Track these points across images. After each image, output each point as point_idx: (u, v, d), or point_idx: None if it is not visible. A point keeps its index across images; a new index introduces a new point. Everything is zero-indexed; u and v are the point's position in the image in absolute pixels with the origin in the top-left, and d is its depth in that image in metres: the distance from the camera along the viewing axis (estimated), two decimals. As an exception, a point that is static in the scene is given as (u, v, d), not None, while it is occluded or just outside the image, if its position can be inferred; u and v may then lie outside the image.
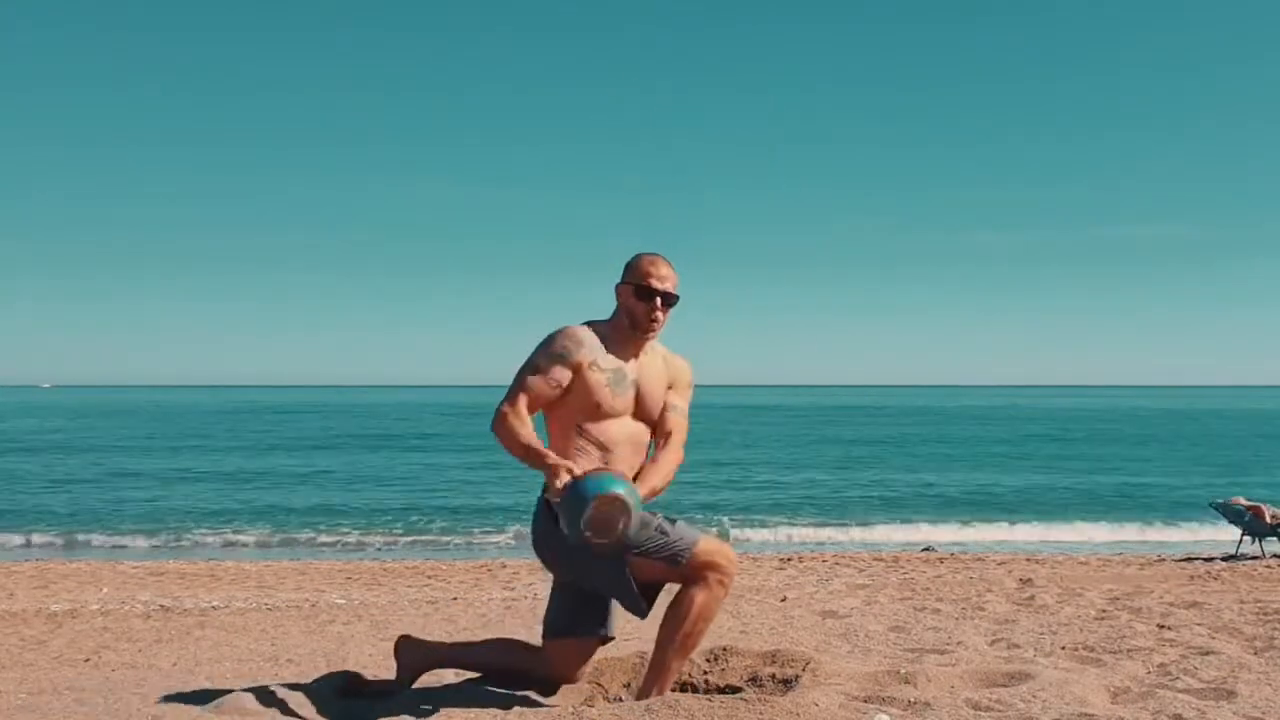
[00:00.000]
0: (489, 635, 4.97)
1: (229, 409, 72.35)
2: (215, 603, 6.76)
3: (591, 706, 2.98)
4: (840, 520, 15.45)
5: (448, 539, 13.81)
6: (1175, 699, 3.09)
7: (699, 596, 2.95)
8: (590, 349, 3.02)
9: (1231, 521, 9.74)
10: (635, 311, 3.06)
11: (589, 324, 3.11)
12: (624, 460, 3.05)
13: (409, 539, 13.80)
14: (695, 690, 3.31)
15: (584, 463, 2.97)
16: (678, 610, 2.97)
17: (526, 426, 2.97)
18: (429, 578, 8.58)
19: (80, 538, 13.77)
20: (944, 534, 13.89)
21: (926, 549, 11.57)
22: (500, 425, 2.97)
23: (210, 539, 13.74)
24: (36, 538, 13.74)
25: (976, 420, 53.90)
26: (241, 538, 13.86)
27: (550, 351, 3.01)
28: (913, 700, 3.00)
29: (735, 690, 3.26)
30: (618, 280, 3.13)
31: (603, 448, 3.03)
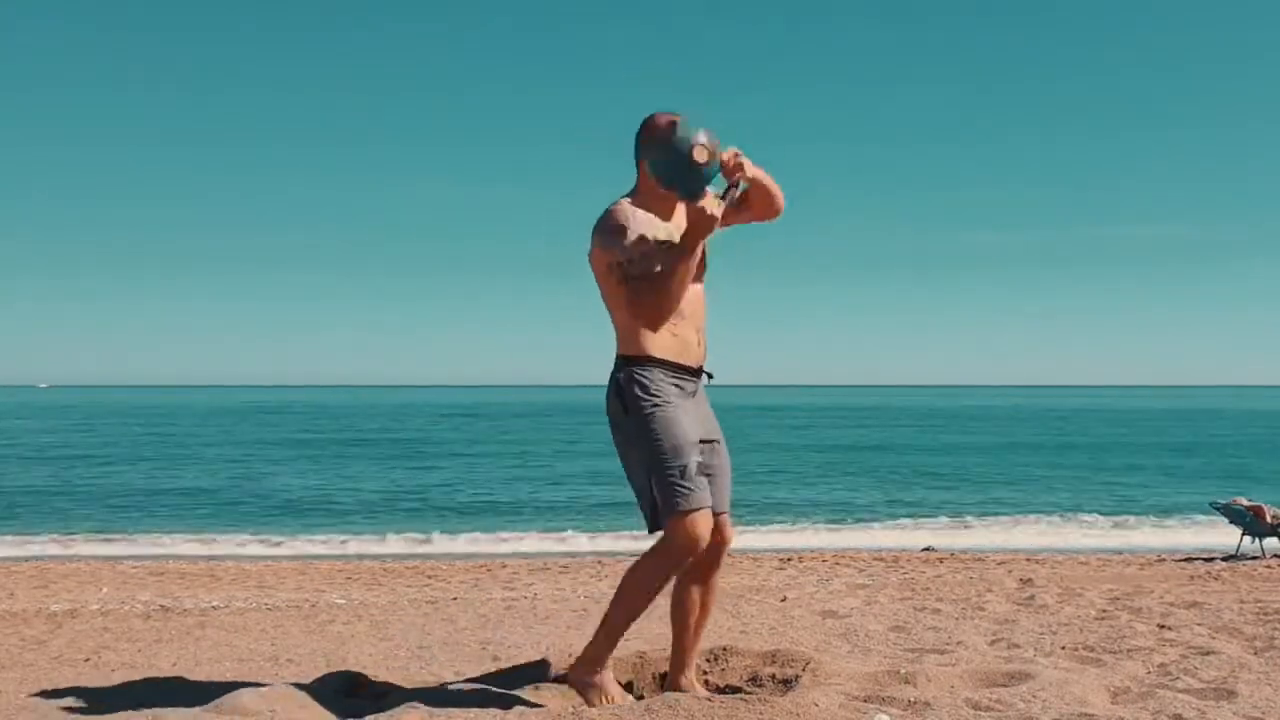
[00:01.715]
0: (498, 633, 4.97)
1: (228, 409, 72.35)
2: (215, 603, 6.76)
3: (591, 706, 2.98)
4: (840, 520, 15.45)
5: (448, 539, 13.80)
6: (1175, 699, 3.09)
7: (649, 562, 2.96)
8: (640, 222, 2.96)
9: (1232, 521, 9.73)
10: (650, 186, 3.03)
11: (622, 203, 3.03)
12: (694, 320, 3.05)
13: (409, 539, 13.79)
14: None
15: (655, 333, 2.95)
16: (632, 571, 3.01)
17: (660, 291, 2.90)
18: (429, 578, 8.57)
19: (80, 538, 13.76)
20: (944, 534, 13.89)
21: (926, 549, 11.57)
22: (660, 314, 2.91)
23: (209, 539, 13.73)
24: (36, 538, 13.73)
25: (976, 420, 53.90)
26: (241, 538, 13.85)
27: (631, 235, 2.92)
28: (913, 700, 3.00)
29: (735, 690, 3.26)
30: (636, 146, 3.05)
31: (677, 315, 2.98)
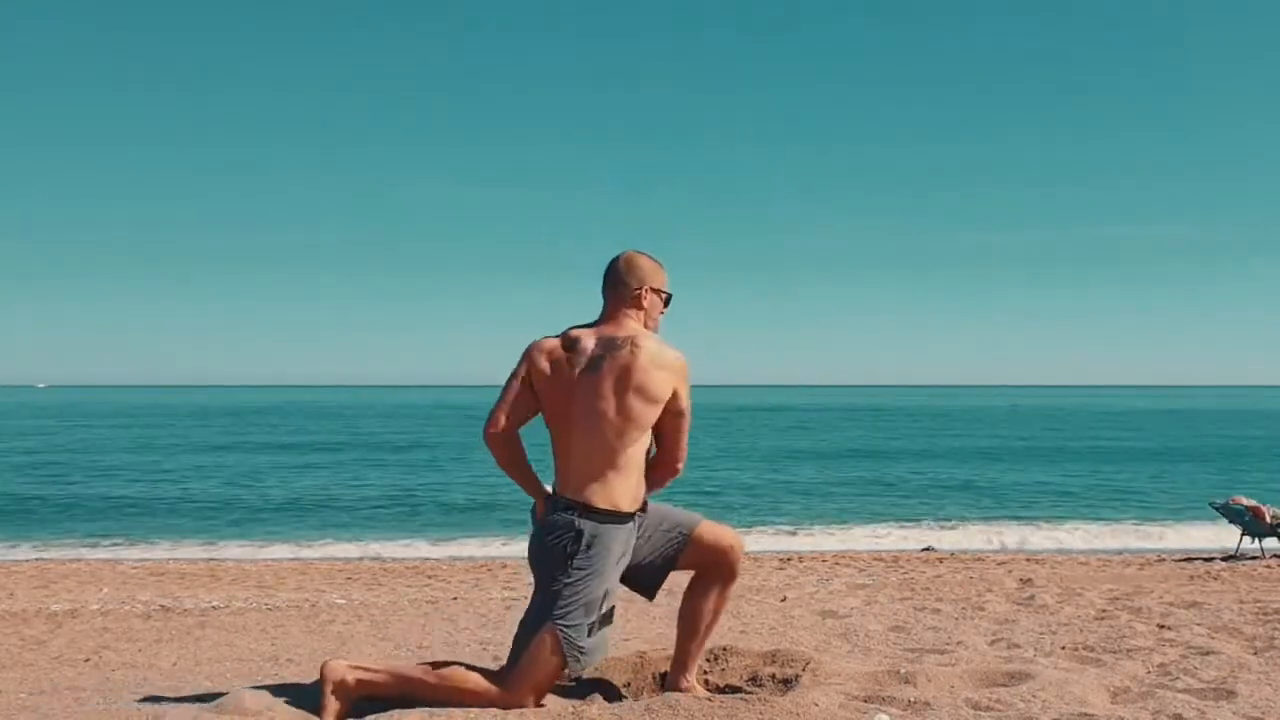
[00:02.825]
0: (498, 633, 4.96)
1: (227, 409, 72.34)
2: (215, 603, 6.76)
3: (591, 706, 2.98)
4: (840, 520, 15.44)
5: (448, 539, 13.80)
6: (1175, 699, 3.09)
7: (493, 691, 2.93)
8: None
9: (1231, 521, 9.73)
10: (658, 322, 3.18)
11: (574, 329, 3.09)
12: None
13: (408, 539, 13.79)
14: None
15: (638, 477, 3.04)
16: (470, 673, 2.99)
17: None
18: (429, 578, 8.58)
19: (80, 538, 13.75)
20: (944, 534, 13.88)
21: (926, 549, 11.57)
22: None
23: (209, 539, 13.73)
24: (36, 538, 13.72)
25: (976, 420, 53.89)
26: (242, 538, 13.85)
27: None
28: (913, 700, 3.00)
29: (735, 690, 3.26)
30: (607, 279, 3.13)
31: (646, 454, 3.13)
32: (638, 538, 3.09)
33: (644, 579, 3.16)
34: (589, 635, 2.95)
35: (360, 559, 11.28)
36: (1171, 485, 20.56)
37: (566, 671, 2.98)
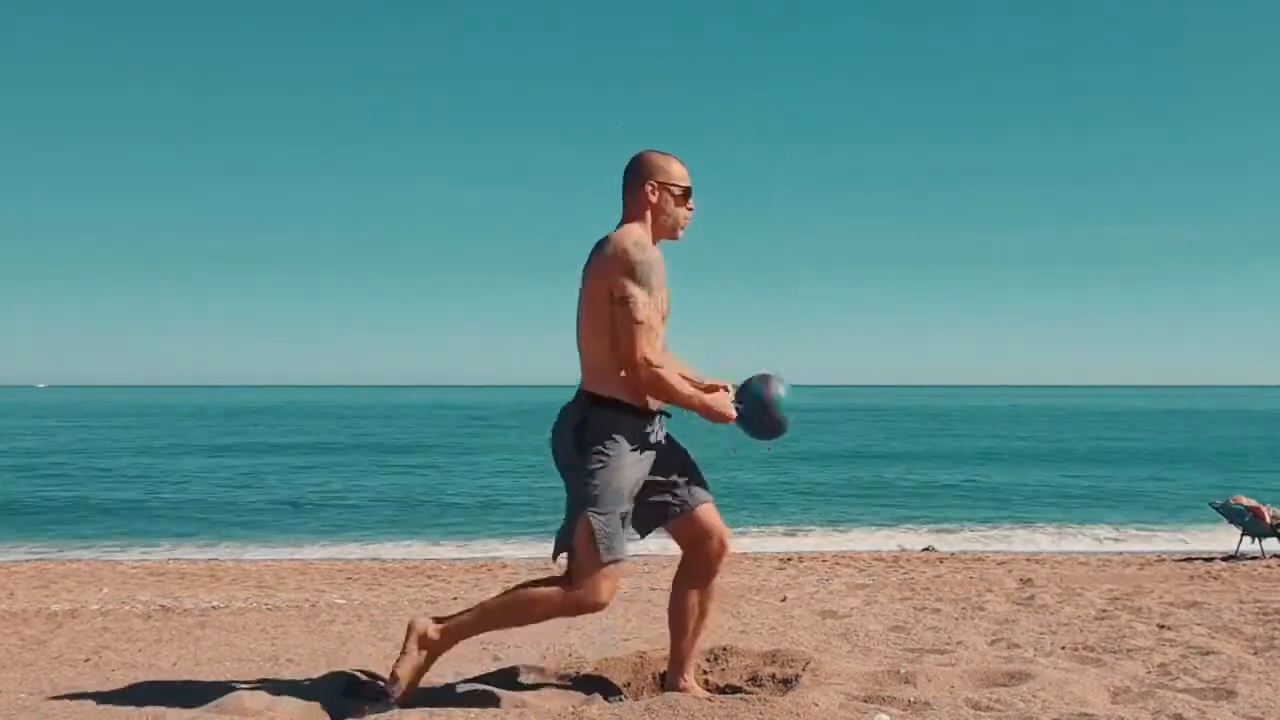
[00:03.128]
0: (498, 633, 4.96)
1: (226, 409, 72.33)
2: (215, 603, 6.76)
3: (591, 706, 2.98)
4: (840, 520, 15.43)
5: (447, 539, 13.79)
6: (1175, 699, 3.09)
7: (556, 597, 2.98)
8: (660, 269, 2.99)
9: (1231, 521, 9.73)
10: (678, 216, 3.09)
11: (625, 231, 3.03)
12: (671, 367, 3.06)
13: (408, 539, 13.79)
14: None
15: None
16: (526, 589, 3.04)
17: (669, 372, 2.96)
18: (429, 578, 8.57)
19: (80, 538, 13.75)
20: (944, 534, 13.88)
21: (926, 549, 11.57)
22: (655, 385, 2.94)
23: (209, 539, 13.73)
24: (36, 538, 13.72)
25: (975, 420, 53.87)
26: (242, 538, 13.84)
27: (657, 281, 2.96)
28: (913, 700, 3.00)
29: (735, 690, 3.26)
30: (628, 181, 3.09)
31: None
32: (658, 452, 3.08)
33: (642, 513, 3.12)
34: (622, 525, 2.97)
35: (360, 559, 11.27)
36: (1171, 485, 20.55)
37: (603, 559, 2.94)
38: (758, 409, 3.12)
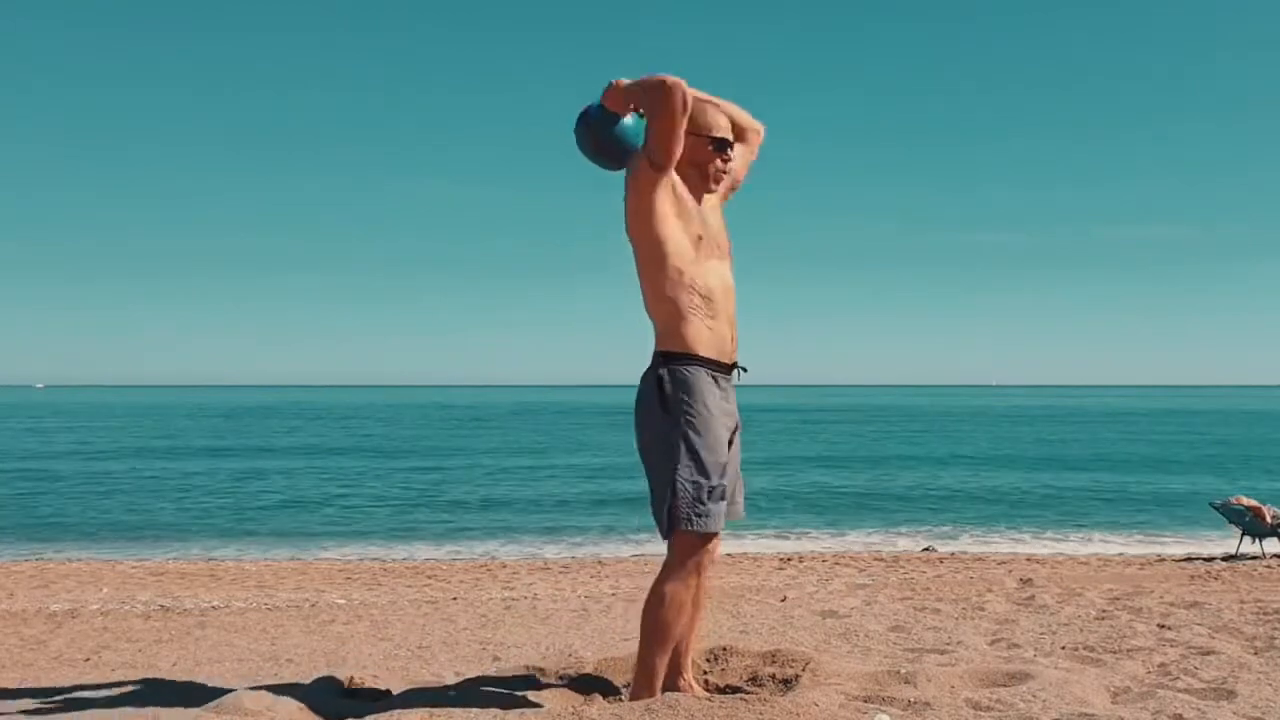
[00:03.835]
0: (498, 633, 4.96)
1: (226, 409, 72.33)
2: (215, 603, 6.76)
3: (591, 706, 2.98)
4: (840, 520, 15.43)
5: (448, 539, 13.79)
6: (1175, 699, 3.09)
7: (669, 587, 2.88)
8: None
9: (1231, 521, 9.74)
10: (708, 164, 3.02)
11: None
12: (727, 312, 2.99)
13: (408, 539, 13.79)
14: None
15: (697, 326, 2.91)
16: (652, 601, 2.91)
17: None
18: (429, 578, 8.57)
19: (79, 538, 13.75)
20: (944, 534, 13.89)
21: (926, 549, 11.57)
22: (669, 90, 2.84)
23: (210, 539, 13.73)
24: (36, 538, 13.72)
25: (975, 420, 53.88)
26: (241, 538, 13.85)
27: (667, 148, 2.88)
28: (913, 700, 3.00)
29: (735, 690, 3.26)
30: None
31: (709, 299, 2.94)
32: (731, 437, 2.99)
33: None
34: (710, 498, 2.84)
35: (360, 559, 11.28)
36: (1171, 486, 20.55)
37: (695, 529, 2.83)
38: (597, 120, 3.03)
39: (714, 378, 2.93)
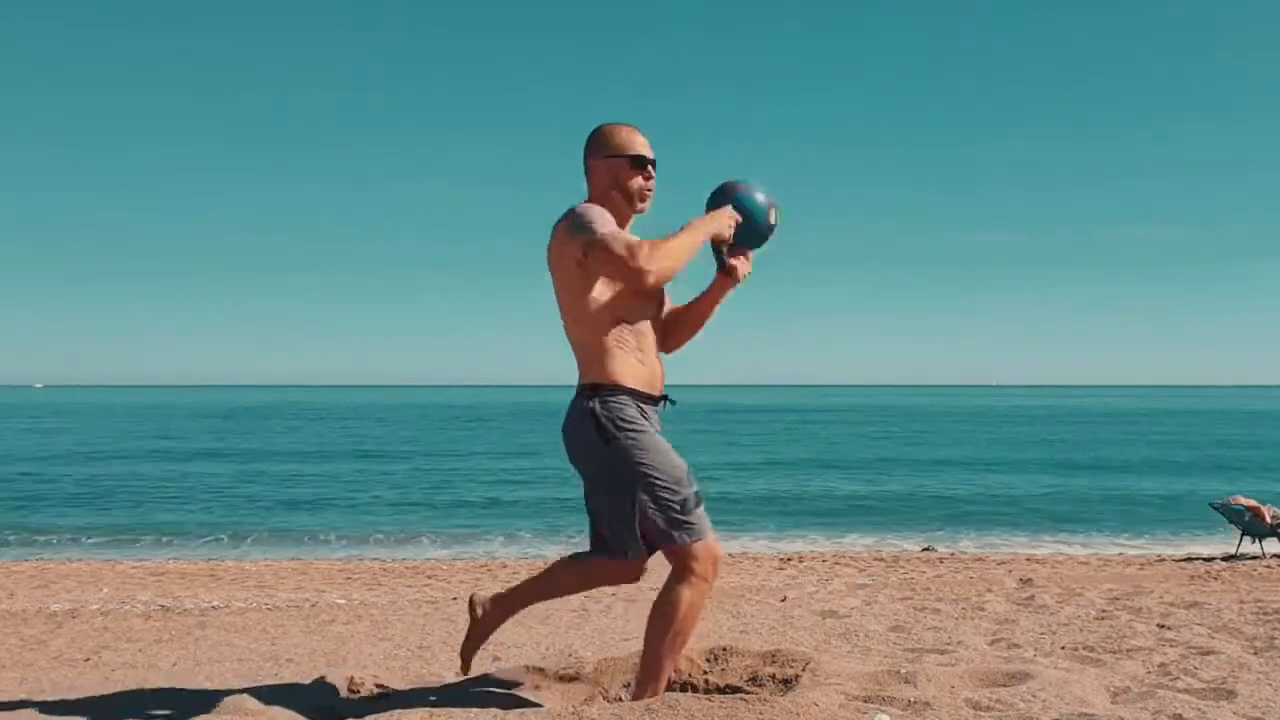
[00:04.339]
0: (498, 633, 4.96)
1: (226, 409, 72.32)
2: (215, 603, 6.76)
3: (591, 706, 2.98)
4: (839, 520, 15.43)
5: (448, 539, 13.80)
6: (1175, 699, 3.09)
7: (686, 593, 2.87)
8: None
9: (1231, 521, 9.74)
10: (631, 184, 2.96)
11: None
12: (652, 349, 2.98)
13: (409, 539, 13.80)
14: (695, 690, 3.31)
15: (625, 360, 2.89)
16: (665, 607, 2.89)
17: (661, 241, 2.79)
18: (429, 578, 8.57)
19: (80, 538, 13.75)
20: (944, 534, 13.88)
21: (926, 549, 11.57)
22: (659, 264, 2.75)
23: (210, 539, 13.74)
24: (35, 538, 13.72)
25: (975, 420, 53.88)
26: (241, 537, 13.85)
27: (611, 223, 2.84)
28: (913, 700, 3.00)
29: (735, 690, 3.26)
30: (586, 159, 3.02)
31: (638, 334, 2.93)
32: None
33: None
34: (687, 509, 2.85)
35: (360, 559, 11.28)
36: (1171, 486, 20.55)
37: (685, 541, 2.85)
38: (747, 211, 2.97)
39: (642, 409, 2.92)
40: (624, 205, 2.98)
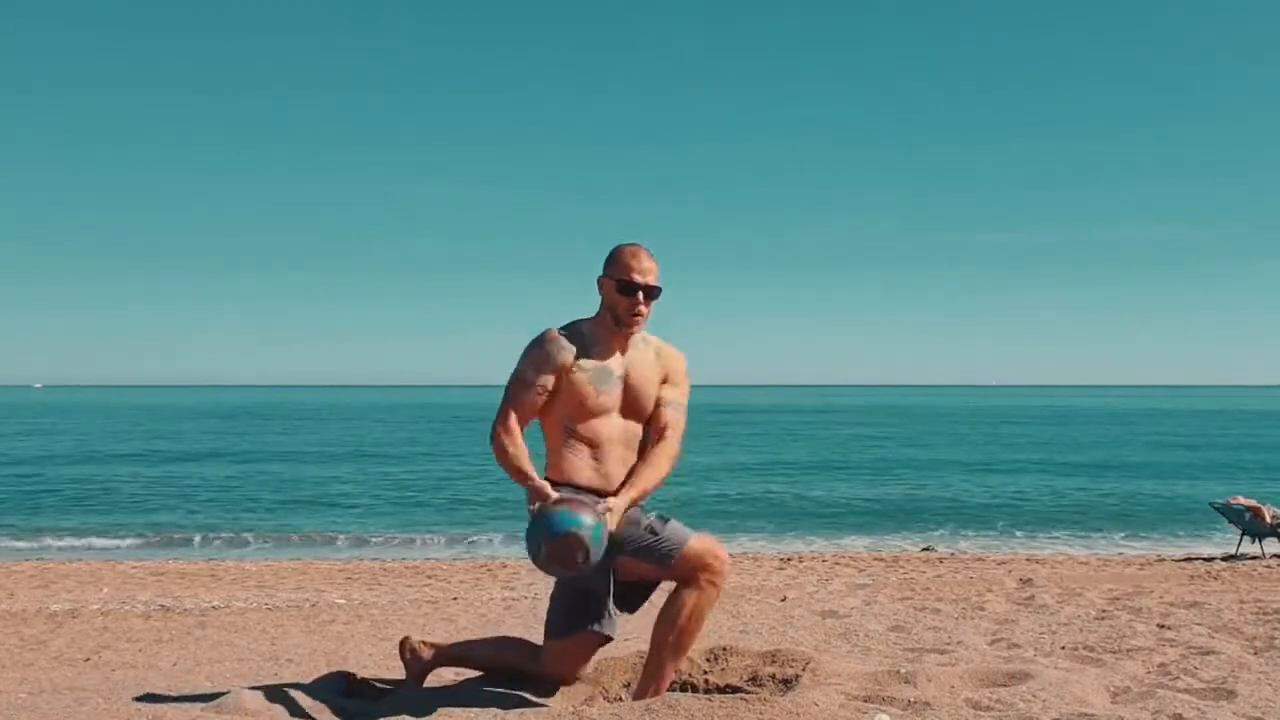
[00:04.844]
0: (490, 634, 4.96)
1: (226, 409, 72.32)
2: (215, 603, 6.76)
3: (591, 706, 2.98)
4: (839, 520, 15.43)
5: (448, 539, 13.80)
6: (1175, 699, 3.09)
7: (690, 597, 2.95)
8: (569, 350, 3.01)
9: (1231, 521, 9.74)
10: (618, 306, 3.03)
11: (574, 323, 3.09)
12: (616, 458, 3.04)
13: (409, 539, 13.80)
14: (695, 690, 3.31)
15: (575, 462, 3.01)
16: (670, 611, 2.98)
17: (515, 444, 3.00)
18: (429, 578, 8.57)
19: (80, 538, 13.76)
20: (944, 534, 13.88)
21: (926, 549, 11.57)
22: (494, 445, 3.02)
23: (210, 539, 13.74)
24: (36, 538, 13.72)
25: (975, 420, 53.87)
26: (241, 537, 13.85)
27: (534, 359, 3.01)
28: (913, 700, 3.00)
29: (735, 690, 3.26)
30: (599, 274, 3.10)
31: (593, 445, 3.02)
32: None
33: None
34: (664, 523, 3.00)
35: (360, 559, 11.28)
36: (1171, 486, 20.55)
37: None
38: (542, 524, 2.86)
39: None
40: (613, 326, 3.06)
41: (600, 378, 3.02)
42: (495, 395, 3.11)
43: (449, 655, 3.38)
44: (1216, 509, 9.97)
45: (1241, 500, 9.75)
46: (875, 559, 9.78)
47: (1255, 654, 3.95)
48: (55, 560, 10.95)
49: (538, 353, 3.01)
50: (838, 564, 9.24)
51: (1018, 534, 13.96)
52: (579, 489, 2.99)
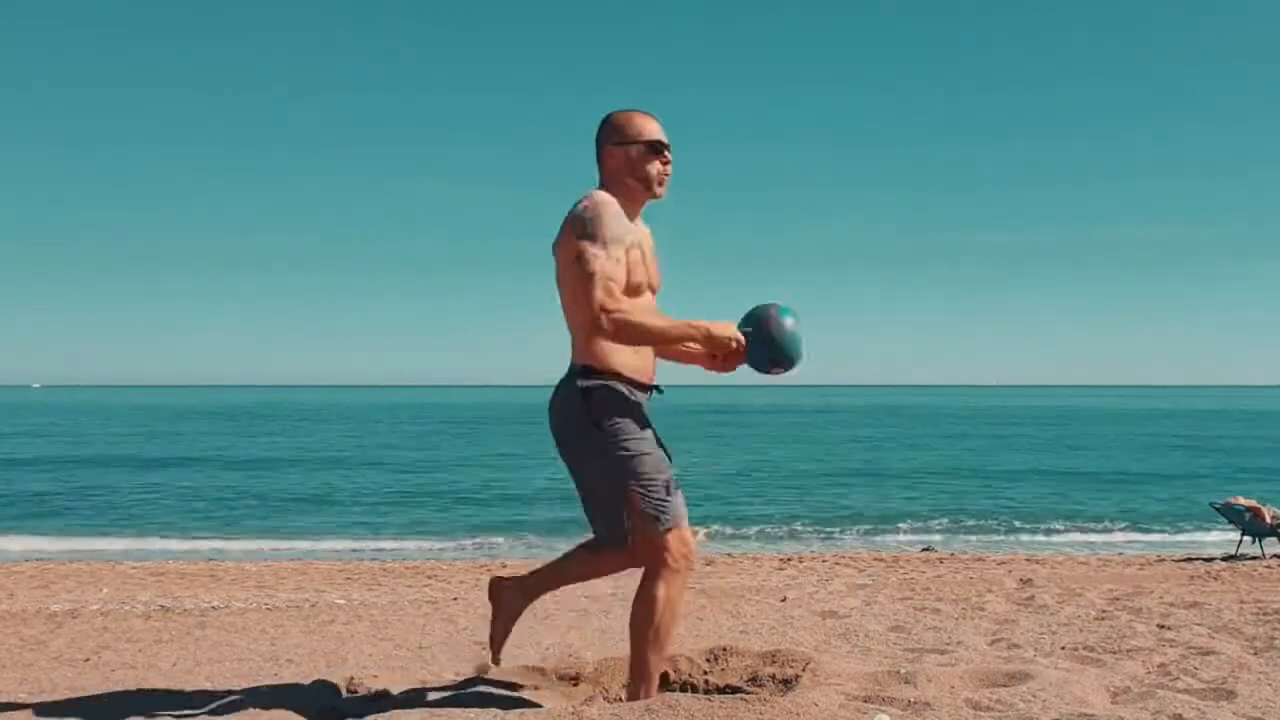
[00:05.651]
0: (480, 639, 4.97)
1: (225, 409, 72.33)
2: (215, 603, 6.75)
3: (591, 706, 2.98)
4: (839, 520, 15.43)
5: (448, 539, 13.80)
6: (1175, 699, 3.09)
7: (661, 589, 2.86)
8: (630, 227, 2.89)
9: (1231, 521, 9.74)
10: (649, 171, 2.93)
11: (602, 191, 2.94)
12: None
13: (408, 539, 13.80)
14: (695, 690, 3.31)
15: (612, 347, 2.86)
16: (643, 605, 2.89)
17: (643, 310, 2.83)
18: (429, 578, 8.57)
19: (80, 538, 13.75)
20: (944, 534, 13.89)
21: (926, 549, 11.57)
22: (624, 333, 2.78)
23: (209, 539, 13.74)
24: (36, 537, 13.72)
25: (975, 420, 53.88)
26: (241, 537, 13.85)
27: (612, 234, 2.80)
28: (913, 700, 3.00)
29: (735, 690, 3.26)
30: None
31: None
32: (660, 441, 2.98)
33: None
34: (666, 494, 2.87)
35: (360, 559, 11.27)
36: (1171, 486, 20.56)
37: (660, 529, 2.86)
38: (763, 333, 2.89)
39: (632, 394, 2.92)
40: (640, 192, 2.96)
41: (644, 254, 2.94)
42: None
43: (540, 584, 3.30)
44: (1217, 509, 9.97)
45: (1242, 500, 9.75)
46: (875, 559, 9.78)
47: (1255, 654, 3.95)
48: (55, 560, 10.95)
49: (616, 226, 2.82)
50: (837, 564, 9.24)
51: (1018, 534, 13.96)
52: (629, 380, 2.90)
